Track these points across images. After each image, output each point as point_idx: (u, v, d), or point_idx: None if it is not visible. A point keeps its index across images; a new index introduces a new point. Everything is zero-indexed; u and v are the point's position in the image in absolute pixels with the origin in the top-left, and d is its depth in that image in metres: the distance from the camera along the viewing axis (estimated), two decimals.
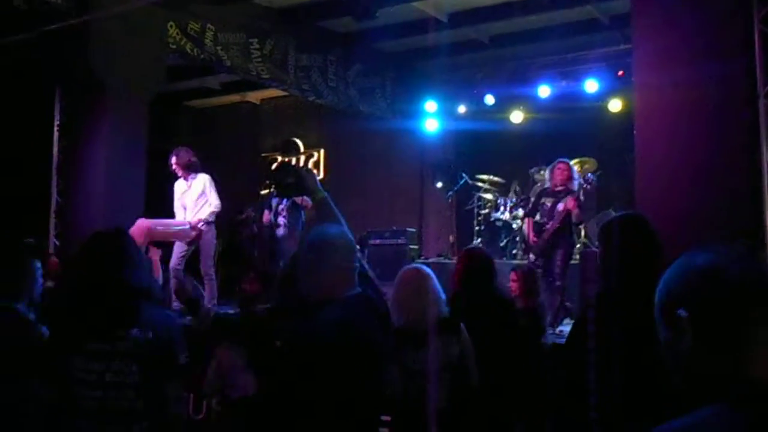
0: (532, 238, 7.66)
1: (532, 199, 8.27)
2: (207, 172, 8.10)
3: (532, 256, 7.57)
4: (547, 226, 7.42)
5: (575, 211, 7.33)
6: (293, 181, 2.99)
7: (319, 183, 3.00)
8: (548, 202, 7.56)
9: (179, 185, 8.14)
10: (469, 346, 3.91)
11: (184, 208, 8.03)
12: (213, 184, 8.01)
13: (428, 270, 4.01)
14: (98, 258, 2.98)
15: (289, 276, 3.36)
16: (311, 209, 9.20)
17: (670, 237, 2.94)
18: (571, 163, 7.79)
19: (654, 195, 5.41)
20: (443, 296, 3.98)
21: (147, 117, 8.41)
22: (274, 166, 12.34)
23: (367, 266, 3.43)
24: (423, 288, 3.88)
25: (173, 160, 8.02)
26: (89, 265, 2.99)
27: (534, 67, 10.90)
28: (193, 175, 8.04)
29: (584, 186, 7.84)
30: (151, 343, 2.86)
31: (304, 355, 2.50)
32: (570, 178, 7.52)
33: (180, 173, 8.05)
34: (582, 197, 7.64)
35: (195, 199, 7.96)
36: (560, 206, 7.41)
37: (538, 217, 7.66)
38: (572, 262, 8.83)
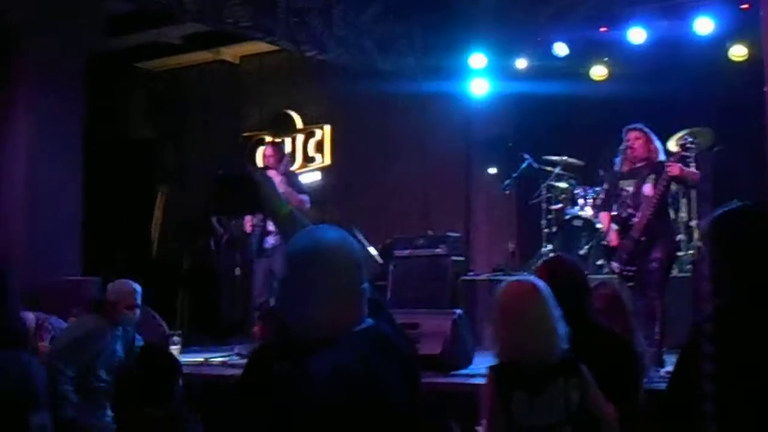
0: (613, 238, 7.63)
1: (605, 187, 8.23)
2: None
3: (615, 265, 7.53)
4: (635, 219, 7.37)
5: (685, 172, 7.29)
6: (242, 193, 2.87)
7: (279, 193, 2.94)
8: (627, 186, 7.53)
9: None
10: (595, 391, 3.92)
11: None
12: None
13: (541, 285, 4.00)
14: None
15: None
16: (312, 210, 9.37)
17: None
18: (646, 129, 7.66)
19: None
20: (563, 324, 3.97)
21: (83, 86, 8.46)
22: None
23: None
24: (535, 310, 3.88)
25: None
26: None
27: (622, 1, 10.82)
28: None
29: (683, 154, 7.72)
30: None
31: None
32: (649, 147, 7.50)
33: None
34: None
35: None
36: (646, 188, 7.36)
37: (615, 210, 7.62)
38: (683, 274, 8.81)
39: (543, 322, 3.86)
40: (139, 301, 6.48)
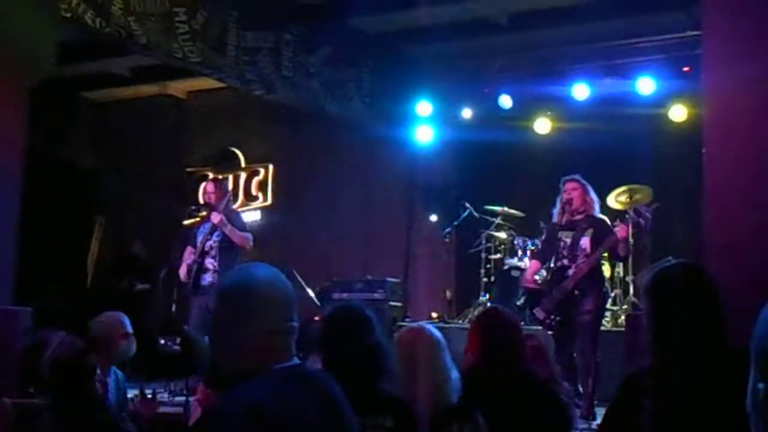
0: (530, 280, 7.68)
1: (543, 237, 8.31)
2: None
3: (540, 312, 7.56)
4: (570, 271, 7.42)
5: (621, 240, 7.33)
6: (181, 351, 2.93)
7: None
8: (565, 237, 7.59)
9: None
10: None
11: None
12: None
13: (436, 333, 4.04)
14: None
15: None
16: (250, 249, 9.26)
17: (752, 296, 2.92)
18: (583, 181, 7.78)
19: (731, 237, 5.40)
20: (455, 372, 3.98)
21: (26, 114, 8.34)
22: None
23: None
24: (425, 358, 3.91)
25: None
26: None
27: (568, 58, 10.96)
28: None
29: (637, 221, 7.86)
30: None
31: None
32: (585, 198, 7.59)
33: None
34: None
35: None
36: (584, 241, 7.44)
37: (553, 263, 7.67)
38: (617, 328, 8.85)
39: (435, 369, 3.91)
40: (130, 329, 5.71)
